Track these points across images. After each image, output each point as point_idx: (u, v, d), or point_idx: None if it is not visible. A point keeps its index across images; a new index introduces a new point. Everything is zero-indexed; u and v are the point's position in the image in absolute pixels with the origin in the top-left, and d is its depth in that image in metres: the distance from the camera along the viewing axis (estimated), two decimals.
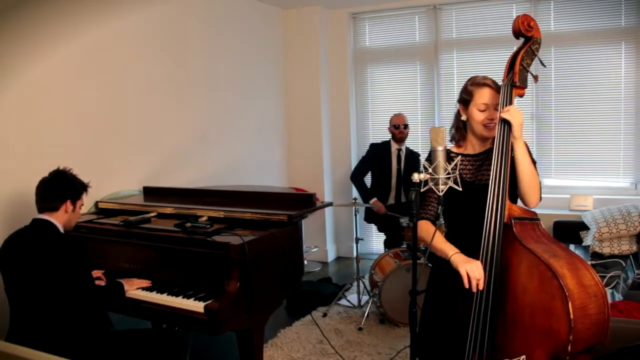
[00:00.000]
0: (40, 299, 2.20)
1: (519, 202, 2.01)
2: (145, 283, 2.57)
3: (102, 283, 2.59)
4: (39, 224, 2.31)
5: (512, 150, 1.85)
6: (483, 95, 1.96)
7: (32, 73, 2.95)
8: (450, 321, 1.93)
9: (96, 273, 2.65)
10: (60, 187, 2.36)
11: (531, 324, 1.67)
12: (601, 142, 4.76)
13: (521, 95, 1.92)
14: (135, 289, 2.52)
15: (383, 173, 4.70)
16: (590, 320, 1.60)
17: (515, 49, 1.95)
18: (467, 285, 1.76)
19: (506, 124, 1.83)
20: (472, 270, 1.76)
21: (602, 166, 4.79)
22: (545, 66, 2.03)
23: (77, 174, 2.46)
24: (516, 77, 1.88)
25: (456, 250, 1.87)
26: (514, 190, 1.97)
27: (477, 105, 1.97)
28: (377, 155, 4.73)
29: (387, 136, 4.80)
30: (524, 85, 1.90)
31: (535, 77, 1.95)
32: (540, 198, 1.93)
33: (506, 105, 1.85)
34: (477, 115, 1.97)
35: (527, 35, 1.90)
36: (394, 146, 4.68)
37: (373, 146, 4.83)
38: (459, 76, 5.21)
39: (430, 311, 2.12)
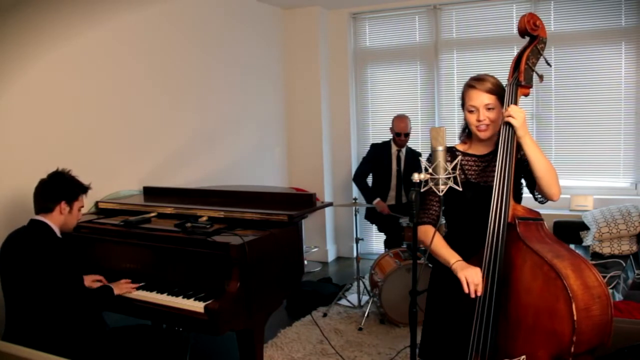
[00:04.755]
0: (34, 299, 2.20)
1: (523, 202, 2.01)
2: (131, 287, 2.53)
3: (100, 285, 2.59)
4: (34, 224, 2.31)
5: (520, 149, 1.85)
6: (470, 97, 1.96)
7: (32, 73, 2.94)
8: (452, 322, 1.94)
9: (96, 277, 2.63)
10: (55, 188, 2.35)
11: (534, 324, 1.66)
12: (601, 142, 4.76)
13: (526, 95, 1.91)
14: (123, 292, 2.50)
15: (383, 173, 4.69)
16: (593, 322, 1.59)
17: (520, 47, 1.93)
18: (466, 291, 1.78)
19: (508, 124, 1.83)
20: (470, 276, 1.79)
21: (602, 166, 4.79)
22: (550, 65, 2.02)
23: (77, 176, 2.44)
24: (521, 76, 1.87)
25: (458, 257, 1.88)
26: (518, 191, 1.97)
27: (467, 107, 1.98)
28: (377, 156, 4.72)
29: (387, 136, 4.79)
30: (529, 85, 1.89)
31: (541, 77, 1.93)
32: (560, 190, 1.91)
33: (510, 104, 1.84)
34: (468, 117, 1.98)
35: (532, 34, 1.90)
36: (394, 147, 4.67)
37: (374, 146, 4.82)
38: (459, 76, 5.20)
39: (433, 312, 2.12)
